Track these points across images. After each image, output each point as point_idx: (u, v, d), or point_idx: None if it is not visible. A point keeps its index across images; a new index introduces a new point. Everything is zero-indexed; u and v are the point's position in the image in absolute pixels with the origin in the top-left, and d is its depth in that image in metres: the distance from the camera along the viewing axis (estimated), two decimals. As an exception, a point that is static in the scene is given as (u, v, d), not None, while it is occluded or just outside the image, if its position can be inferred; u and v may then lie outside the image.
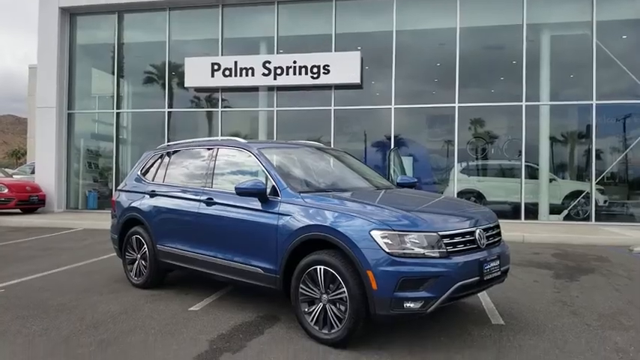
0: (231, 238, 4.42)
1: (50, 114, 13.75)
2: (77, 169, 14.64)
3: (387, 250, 3.39)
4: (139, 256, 5.45)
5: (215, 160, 4.91)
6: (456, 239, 3.61)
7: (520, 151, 11.97)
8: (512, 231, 9.48)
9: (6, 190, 12.55)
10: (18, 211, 12.97)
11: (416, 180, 5.39)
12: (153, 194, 5.41)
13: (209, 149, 5.08)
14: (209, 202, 4.67)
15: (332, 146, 8.02)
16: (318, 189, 4.38)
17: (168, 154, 5.66)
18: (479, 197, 12.40)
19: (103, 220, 10.30)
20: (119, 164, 14.12)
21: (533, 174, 12.21)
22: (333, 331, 3.59)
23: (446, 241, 3.53)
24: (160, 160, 5.72)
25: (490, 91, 12.82)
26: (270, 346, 3.69)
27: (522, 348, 3.66)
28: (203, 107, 14.01)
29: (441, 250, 3.48)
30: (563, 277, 6.07)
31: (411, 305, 3.36)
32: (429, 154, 13.37)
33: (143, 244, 5.38)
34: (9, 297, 5.07)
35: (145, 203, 5.42)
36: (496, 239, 4.06)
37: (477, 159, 12.97)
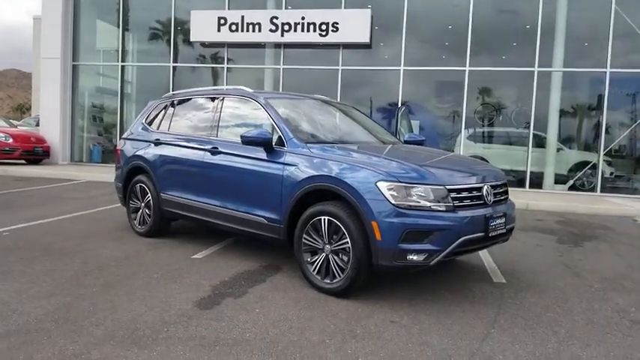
0: (235, 188, 4.39)
1: (55, 65, 13.56)
2: (82, 123, 14.57)
3: (392, 202, 3.35)
4: (142, 204, 5.45)
5: (221, 110, 4.83)
6: (463, 194, 3.57)
7: (529, 120, 11.79)
8: (515, 198, 9.42)
9: (11, 140, 12.52)
10: (23, 162, 12.98)
11: (424, 138, 5.30)
12: (158, 143, 5.35)
13: (215, 98, 4.99)
14: (214, 152, 4.62)
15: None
16: (325, 141, 4.31)
17: (174, 103, 5.57)
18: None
19: (106, 173, 10.30)
20: (124, 119, 14.02)
21: (540, 143, 12.06)
22: (335, 280, 3.60)
23: (453, 195, 3.49)
24: (165, 109, 5.64)
25: (502, 57, 12.53)
26: (272, 292, 3.71)
27: (523, 305, 3.67)
28: (208, 63, 13.78)
29: (447, 204, 3.44)
30: (567, 243, 6.06)
31: (415, 257, 3.35)
32: (436, 119, 13.20)
33: (147, 193, 5.36)
34: (13, 239, 5.10)
35: (150, 152, 5.38)
36: (503, 197, 4.02)
37: (484, 126, 12.81)
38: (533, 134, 11.87)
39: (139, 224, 5.48)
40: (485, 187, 3.74)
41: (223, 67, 13.19)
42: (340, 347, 2.84)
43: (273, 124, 4.23)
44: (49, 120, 13.77)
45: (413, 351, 2.83)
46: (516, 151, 12.34)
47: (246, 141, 4.08)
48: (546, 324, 3.30)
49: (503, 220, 3.79)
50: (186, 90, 5.78)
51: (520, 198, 9.50)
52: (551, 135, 11.94)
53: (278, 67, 12.82)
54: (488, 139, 13.03)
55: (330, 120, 5.02)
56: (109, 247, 4.90)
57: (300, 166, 3.87)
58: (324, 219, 3.63)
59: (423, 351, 2.83)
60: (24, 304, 3.32)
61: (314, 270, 3.73)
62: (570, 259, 5.21)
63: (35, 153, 12.97)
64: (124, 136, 6.05)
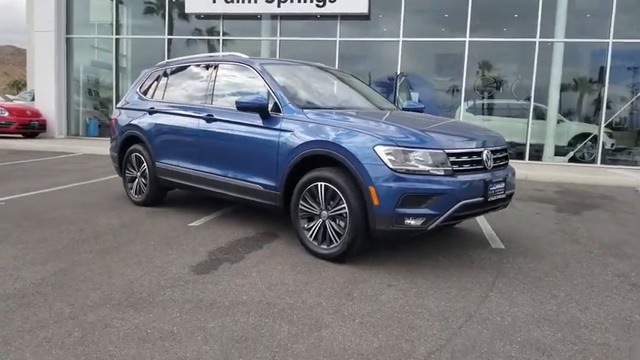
0: (231, 155, 4.33)
1: (49, 38, 13.33)
2: (77, 97, 14.40)
3: (390, 166, 3.30)
4: (138, 173, 5.40)
5: (215, 77, 4.73)
6: (463, 158, 3.52)
7: (529, 92, 11.65)
8: (515, 169, 9.42)
9: (6, 114, 12.39)
10: (19, 135, 12.87)
11: (423, 106, 5.22)
12: (152, 111, 5.26)
13: (209, 66, 4.88)
14: (209, 119, 4.54)
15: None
16: (322, 106, 4.23)
17: (168, 72, 5.46)
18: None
19: (103, 147, 10.21)
20: (119, 92, 13.84)
21: (540, 115, 11.96)
22: (332, 246, 3.58)
23: (452, 159, 3.43)
24: (159, 78, 5.53)
25: (502, 28, 12.30)
26: (269, 258, 3.69)
27: (522, 270, 3.65)
28: (204, 35, 13.54)
29: (446, 168, 3.39)
30: (566, 211, 6.04)
31: (412, 222, 3.31)
32: (435, 91, 13.04)
33: (143, 162, 5.30)
34: (9, 209, 5.06)
35: (145, 121, 5.29)
36: (503, 162, 3.97)
37: (484, 98, 12.68)
38: (534, 106, 11.75)
39: (136, 193, 5.44)
40: (485, 151, 3.69)
41: (219, 40, 12.97)
42: (337, 309, 2.83)
43: (268, 90, 4.14)
44: (45, 94, 13.61)
45: (410, 313, 2.82)
46: (516, 124, 12.23)
47: (242, 107, 4.00)
48: (545, 288, 3.29)
49: (502, 185, 3.75)
50: (180, 58, 5.66)
51: (519, 169, 9.46)
52: (552, 107, 11.83)
53: (274, 39, 12.60)
54: (488, 111, 12.90)
55: (327, 86, 4.93)
56: (105, 216, 4.86)
57: (296, 131, 3.80)
58: (321, 185, 3.59)
59: (420, 313, 2.82)
60: (20, 270, 3.29)
61: (311, 236, 3.71)
62: (569, 226, 5.19)
63: (31, 126, 12.86)
64: (119, 105, 5.96)
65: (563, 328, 2.68)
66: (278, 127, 3.94)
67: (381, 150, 3.33)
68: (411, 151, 3.33)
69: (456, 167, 3.44)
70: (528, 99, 11.71)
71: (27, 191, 6.03)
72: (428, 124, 4.07)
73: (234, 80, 4.65)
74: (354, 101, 4.83)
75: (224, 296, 2.97)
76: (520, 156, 11.65)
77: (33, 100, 14.82)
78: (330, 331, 2.57)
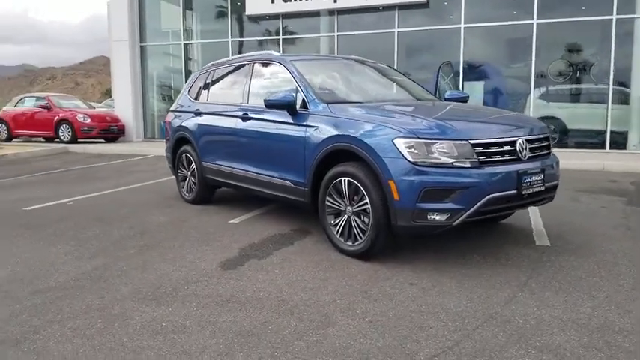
0: (263, 152, 4.41)
1: (124, 47, 14.32)
2: (152, 101, 15.35)
3: (410, 160, 3.19)
4: (188, 173, 5.66)
5: (251, 75, 4.84)
6: (492, 149, 3.32)
7: (608, 74, 10.68)
8: (591, 159, 8.71)
9: (89, 121, 13.50)
10: (101, 140, 13.98)
11: (467, 95, 4.97)
12: (198, 113, 5.50)
13: (246, 65, 5.00)
14: (244, 118, 4.66)
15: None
16: (348, 100, 4.18)
17: (211, 73, 5.67)
18: (559, 125, 11.38)
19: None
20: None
21: (623, 99, 10.92)
22: (356, 242, 3.54)
23: (478, 150, 3.25)
24: (204, 79, 5.76)
25: (574, 8, 11.36)
26: (295, 255, 3.72)
27: (562, 268, 3.38)
28: (265, 36, 13.85)
29: (472, 160, 3.22)
30: (637, 204, 5.49)
31: (436, 217, 3.19)
32: (503, 78, 12.34)
33: (192, 162, 5.56)
34: (74, 209, 5.53)
35: (192, 122, 5.54)
36: (542, 152, 3.69)
37: (556, 84, 11.81)
38: (614, 89, 10.75)
39: (187, 192, 5.72)
40: (519, 141, 3.45)
41: (279, 39, 13.21)
42: (350, 307, 2.80)
43: (297, 86, 4.17)
44: (123, 100, 14.65)
45: (425, 312, 2.72)
46: (595, 109, 11.28)
47: (270, 104, 4.07)
48: (584, 288, 3.03)
49: (540, 177, 3.49)
50: (222, 59, 5.85)
51: (596, 159, 8.76)
52: (636, 89, 10.76)
53: (332, 34, 12.59)
54: (563, 97, 12.01)
55: (360, 80, 4.84)
56: (156, 214, 5.16)
57: (320, 127, 3.79)
58: (345, 180, 3.55)
59: (435, 313, 2.71)
60: (67, 264, 3.60)
61: (337, 232, 3.69)
62: (636, 221, 4.72)
63: (111, 132, 13.91)
64: (172, 108, 6.28)
65: (593, 333, 2.46)
66: (305, 123, 3.95)
67: (400, 143, 3.24)
68: (433, 143, 3.21)
69: (483, 159, 3.26)
70: (607, 78, 10.71)
71: (96, 192, 6.55)
72: (459, 114, 3.88)
73: (268, 78, 4.73)
74: (386, 93, 4.73)
75: (242, 291, 3.04)
76: (600, 144, 10.73)
77: (115, 106, 16.02)
78: (337, 328, 2.55)
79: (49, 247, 4.05)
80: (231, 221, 4.78)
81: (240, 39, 13.96)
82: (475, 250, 3.77)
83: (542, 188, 3.52)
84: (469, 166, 3.21)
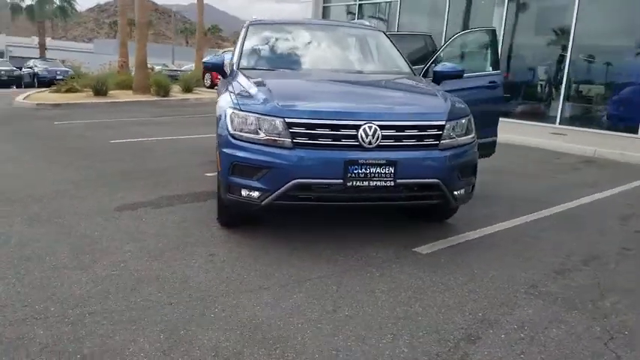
0: None
1: (308, 8, 15.41)
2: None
3: (230, 131, 3.11)
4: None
5: None
6: (318, 130, 2.93)
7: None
8: None
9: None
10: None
11: (462, 70, 4.09)
12: None
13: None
14: None
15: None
16: (264, 69, 4.04)
17: None
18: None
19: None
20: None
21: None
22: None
23: (296, 130, 2.93)
24: None
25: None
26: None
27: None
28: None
29: (284, 139, 2.93)
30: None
31: (249, 194, 3.05)
32: (535, 52, 9.10)
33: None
34: (154, 145, 6.87)
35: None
36: (408, 142, 3.03)
37: (593, 61, 8.26)
38: None
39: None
40: (365, 126, 2.92)
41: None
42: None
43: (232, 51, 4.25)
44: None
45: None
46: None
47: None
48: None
49: (389, 170, 2.90)
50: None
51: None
52: None
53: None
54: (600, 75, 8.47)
55: (312, 47, 4.44)
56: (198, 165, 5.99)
57: (222, 89, 3.95)
58: None
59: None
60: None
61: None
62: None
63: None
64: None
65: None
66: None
67: (229, 113, 3.17)
68: (249, 116, 3.05)
69: (303, 139, 2.92)
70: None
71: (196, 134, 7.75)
72: (322, 90, 3.57)
73: None
74: (333, 63, 4.20)
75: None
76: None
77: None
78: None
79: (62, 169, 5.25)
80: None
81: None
82: (343, 252, 3.23)
83: (390, 184, 2.92)
84: (280, 144, 2.94)
